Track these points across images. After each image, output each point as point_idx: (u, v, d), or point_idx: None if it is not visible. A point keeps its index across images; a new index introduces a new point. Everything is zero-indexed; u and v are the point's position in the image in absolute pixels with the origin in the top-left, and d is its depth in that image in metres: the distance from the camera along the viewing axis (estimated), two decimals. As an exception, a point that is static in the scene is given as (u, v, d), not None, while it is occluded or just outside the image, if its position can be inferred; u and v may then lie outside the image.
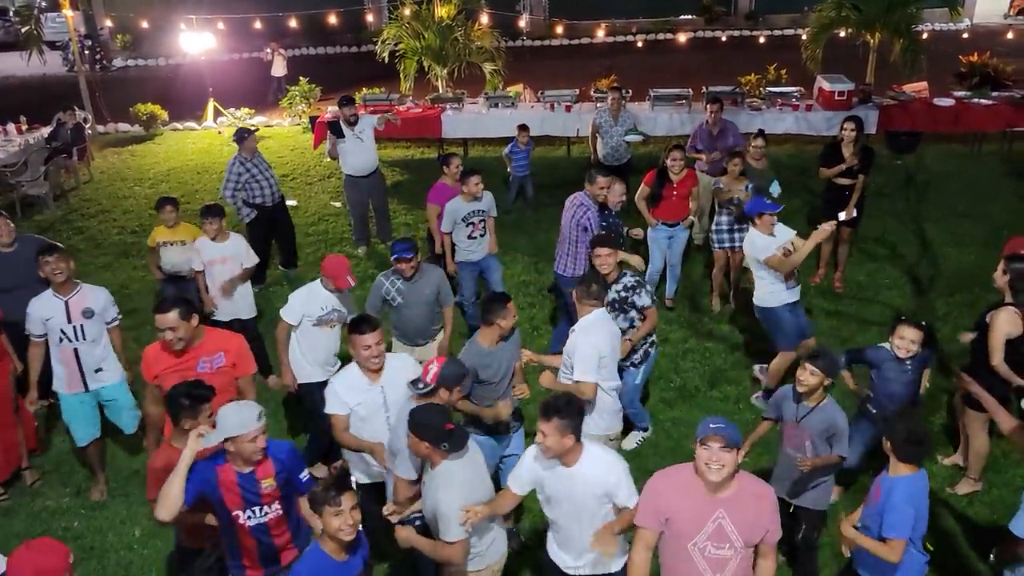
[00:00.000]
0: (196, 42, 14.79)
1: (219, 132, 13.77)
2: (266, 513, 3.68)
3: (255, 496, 3.63)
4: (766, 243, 5.90)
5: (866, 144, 7.70)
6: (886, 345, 4.80)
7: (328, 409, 4.38)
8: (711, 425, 3.18)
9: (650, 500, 3.36)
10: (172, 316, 4.32)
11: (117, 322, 5.48)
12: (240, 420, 3.51)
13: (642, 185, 7.38)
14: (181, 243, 6.69)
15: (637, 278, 5.39)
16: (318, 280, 5.35)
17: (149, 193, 11.13)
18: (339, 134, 8.48)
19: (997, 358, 4.80)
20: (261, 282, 8.20)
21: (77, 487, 5.66)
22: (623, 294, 5.32)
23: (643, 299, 5.33)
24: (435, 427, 3.61)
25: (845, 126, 7.44)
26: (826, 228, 5.70)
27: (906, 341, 4.67)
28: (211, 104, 14.12)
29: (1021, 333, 4.77)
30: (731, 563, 3.25)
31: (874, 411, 4.88)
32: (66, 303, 5.18)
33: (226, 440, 3.50)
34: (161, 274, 6.84)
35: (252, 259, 6.56)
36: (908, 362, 4.72)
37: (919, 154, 11.07)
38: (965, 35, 18.19)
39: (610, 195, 6.33)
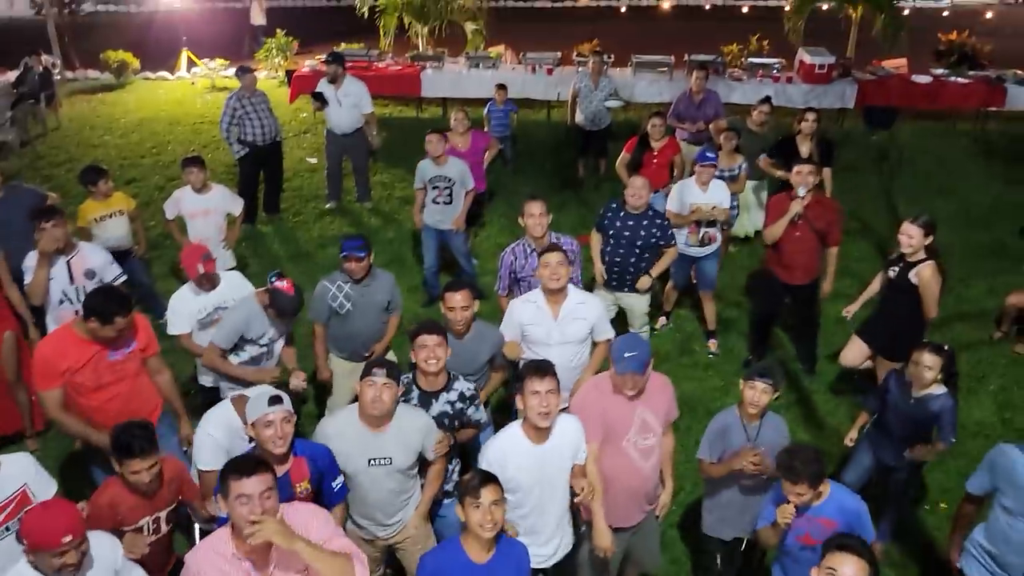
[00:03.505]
0: (170, -10, 14.42)
1: (192, 83, 13.47)
2: None
3: (289, 502, 3.37)
4: (683, 194, 6.17)
5: (825, 136, 7.41)
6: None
7: (203, 466, 3.65)
8: (626, 355, 3.53)
9: (589, 416, 3.63)
10: (124, 319, 3.91)
11: (120, 282, 5.16)
12: (253, 405, 3.32)
13: (623, 152, 7.38)
14: (119, 213, 6.27)
15: (472, 387, 4.00)
16: (186, 285, 4.84)
17: (120, 143, 10.91)
18: (323, 102, 8.35)
19: (935, 311, 4.98)
20: (251, 221, 8.29)
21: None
22: (458, 405, 3.90)
23: (479, 413, 4.04)
24: None
25: (807, 116, 7.05)
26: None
27: (920, 368, 4.14)
28: (184, 54, 13.79)
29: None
30: (655, 449, 3.77)
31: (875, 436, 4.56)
32: (68, 264, 4.91)
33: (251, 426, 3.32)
34: None
35: (238, 206, 6.54)
36: (914, 396, 4.24)
37: (895, 130, 11.17)
38: (945, 13, 18.30)
39: (628, 192, 5.56)
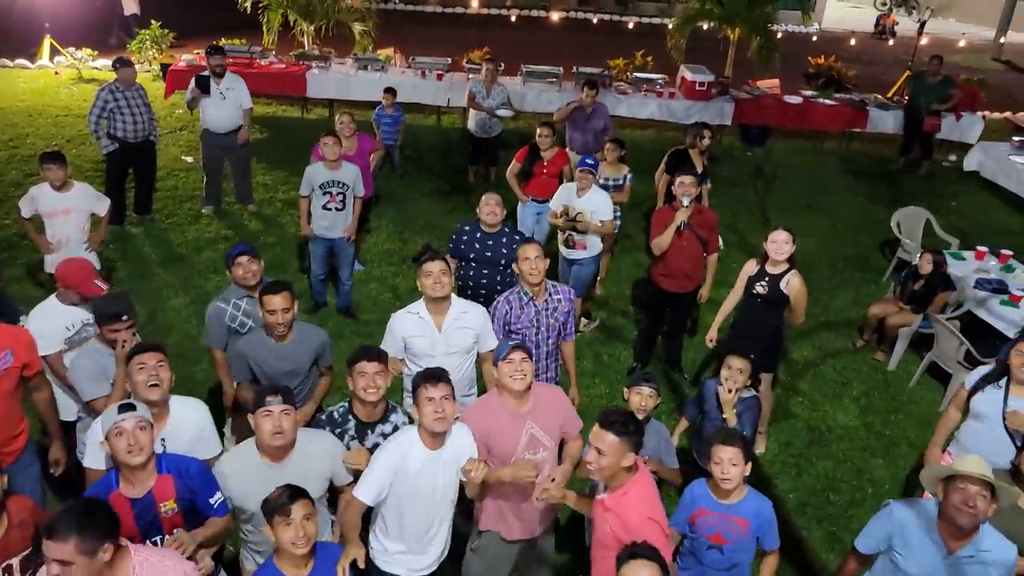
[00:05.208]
0: (31, -29, 13.39)
1: (56, 73, 12.59)
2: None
3: (153, 524, 3.15)
4: (563, 197, 6.35)
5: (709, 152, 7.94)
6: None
7: (88, 464, 3.47)
8: (509, 343, 3.62)
9: (474, 434, 3.56)
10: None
11: None
12: (105, 415, 3.10)
13: (513, 161, 7.39)
14: None
15: (406, 418, 3.81)
16: (53, 296, 4.41)
17: (-30, 134, 10.04)
18: (205, 89, 7.95)
19: (803, 316, 5.27)
20: (119, 222, 7.85)
21: None
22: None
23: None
24: None
25: (705, 133, 7.50)
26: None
27: (732, 371, 4.31)
28: (47, 42, 12.86)
29: None
30: (546, 462, 3.71)
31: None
32: None
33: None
34: None
35: (103, 206, 6.15)
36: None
37: (769, 148, 11.75)
38: (814, 38, 19.45)
39: (484, 209, 5.37)
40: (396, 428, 3.72)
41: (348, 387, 3.67)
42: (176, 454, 3.35)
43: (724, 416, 4.31)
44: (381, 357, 3.64)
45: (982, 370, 4.43)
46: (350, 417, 3.70)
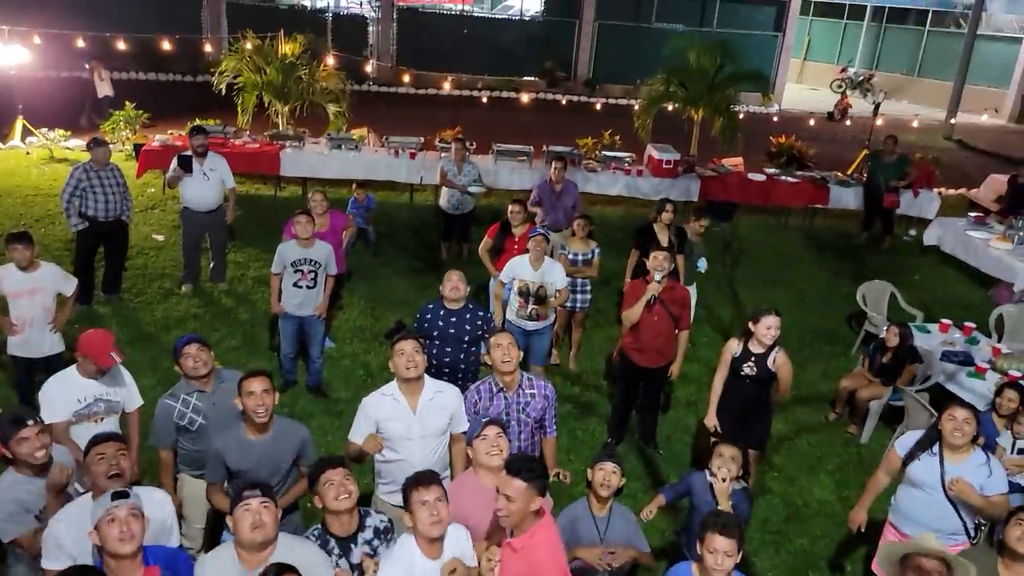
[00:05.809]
0: (6, 54, 13.54)
1: (27, 153, 12.60)
2: None
3: None
4: (514, 269, 6.39)
5: (679, 224, 7.76)
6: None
7: (46, 564, 3.32)
8: (482, 420, 3.72)
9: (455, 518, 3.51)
10: None
11: None
12: (97, 503, 3.03)
13: (485, 237, 7.47)
14: None
15: (386, 518, 3.70)
16: (74, 366, 4.44)
17: (-64, 213, 9.94)
18: (188, 169, 8.01)
19: (789, 393, 5.35)
20: (87, 302, 7.77)
21: None
22: (375, 543, 3.57)
23: None
24: None
25: (667, 207, 7.35)
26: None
27: (724, 459, 4.24)
28: (19, 122, 12.91)
29: None
30: None
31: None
32: None
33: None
34: None
35: (69, 286, 6.04)
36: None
37: (735, 223, 12.01)
38: (775, 119, 20.17)
39: (447, 286, 5.39)
40: (377, 531, 3.58)
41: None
42: (159, 546, 3.27)
43: (719, 507, 4.19)
44: (344, 463, 3.53)
45: (913, 436, 4.44)
46: (328, 537, 3.47)
